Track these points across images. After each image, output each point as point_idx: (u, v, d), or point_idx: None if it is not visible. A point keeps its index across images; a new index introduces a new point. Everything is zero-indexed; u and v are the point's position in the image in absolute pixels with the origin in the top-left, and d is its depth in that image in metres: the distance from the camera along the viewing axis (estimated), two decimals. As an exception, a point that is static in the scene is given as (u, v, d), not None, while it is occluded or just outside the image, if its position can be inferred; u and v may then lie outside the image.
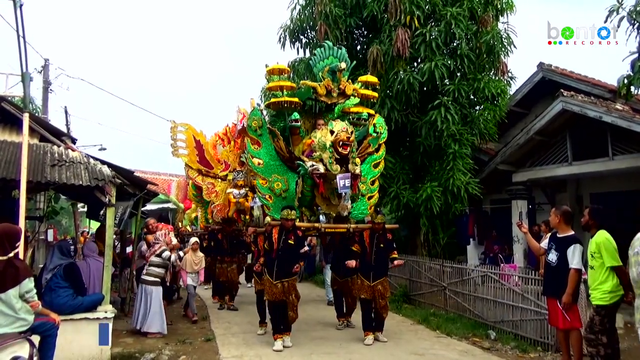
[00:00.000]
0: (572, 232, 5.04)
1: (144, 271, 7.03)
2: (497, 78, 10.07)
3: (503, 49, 9.87)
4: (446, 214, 9.89)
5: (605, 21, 5.75)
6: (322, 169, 6.14)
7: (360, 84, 7.32)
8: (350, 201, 6.72)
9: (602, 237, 4.59)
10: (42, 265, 7.00)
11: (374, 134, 7.20)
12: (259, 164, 6.53)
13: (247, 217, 8.80)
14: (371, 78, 7.45)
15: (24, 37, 5.20)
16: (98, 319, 5.34)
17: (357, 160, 6.48)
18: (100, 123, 64.55)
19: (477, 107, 10.25)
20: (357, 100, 7.39)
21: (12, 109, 5.90)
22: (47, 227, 10.87)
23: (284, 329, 6.27)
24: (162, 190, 20.71)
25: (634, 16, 5.54)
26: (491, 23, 9.68)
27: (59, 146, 6.04)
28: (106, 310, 5.43)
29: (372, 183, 7.36)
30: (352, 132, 6.39)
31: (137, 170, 14.80)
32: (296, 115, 6.81)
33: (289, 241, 6.19)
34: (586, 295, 5.63)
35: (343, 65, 6.66)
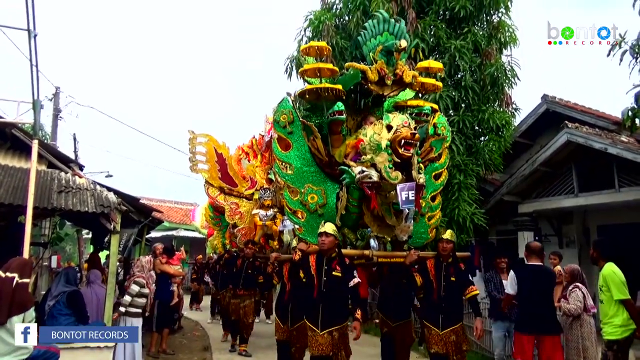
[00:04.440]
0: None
1: (124, 301, 6.27)
2: (501, 109, 10.15)
3: (507, 81, 9.99)
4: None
5: (608, 55, 5.82)
6: (375, 177, 4.60)
7: (417, 72, 5.67)
8: (412, 221, 5.21)
9: (608, 270, 4.51)
10: (44, 292, 6.97)
11: (437, 136, 5.65)
12: (288, 170, 4.97)
13: (276, 243, 7.69)
14: (434, 64, 5.77)
15: (36, 66, 5.32)
16: (99, 347, 5.27)
17: (422, 166, 4.98)
18: (108, 150, 65.31)
19: (482, 138, 10.30)
20: (411, 93, 5.81)
21: (22, 136, 6.00)
22: (51, 254, 10.86)
23: None
24: (166, 217, 20.75)
25: (636, 49, 5.60)
26: (495, 56, 9.83)
27: (66, 173, 6.09)
28: (107, 339, 5.36)
29: (433, 199, 5.75)
30: (415, 128, 4.85)
31: (143, 198, 14.84)
32: (340, 105, 5.00)
33: (334, 272, 4.44)
34: (596, 330, 5.52)
35: (403, 43, 4.97)
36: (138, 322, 6.34)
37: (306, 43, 11.00)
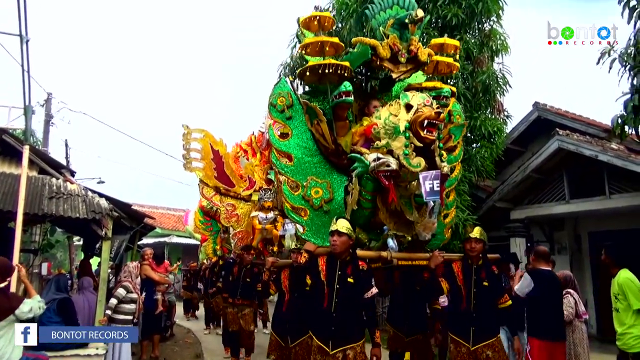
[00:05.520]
0: None
1: (112, 309, 6.02)
2: (493, 117, 10.22)
3: (499, 89, 10.07)
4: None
5: (598, 63, 5.90)
6: (394, 165, 3.91)
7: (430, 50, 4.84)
8: (436, 217, 4.44)
9: (624, 277, 4.36)
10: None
11: (454, 123, 4.93)
12: (286, 160, 4.32)
13: (275, 248, 7.09)
14: (450, 41, 5.02)
15: (28, 72, 5.31)
16: (89, 356, 5.22)
17: (444, 153, 4.23)
18: (100, 156, 65.02)
19: (474, 145, 10.36)
20: (422, 77, 5.13)
21: (13, 142, 5.96)
22: (42, 261, 10.74)
23: None
24: (159, 223, 20.64)
25: (625, 58, 5.69)
26: (486, 63, 9.92)
27: (57, 179, 6.05)
28: (97, 347, 5.31)
29: (447, 195, 4.94)
30: (439, 107, 4.09)
31: (135, 204, 14.75)
32: (348, 85, 4.37)
33: (349, 279, 3.74)
34: (588, 336, 5.52)
35: (420, 12, 4.35)
36: None
37: (299, 50, 11.05)
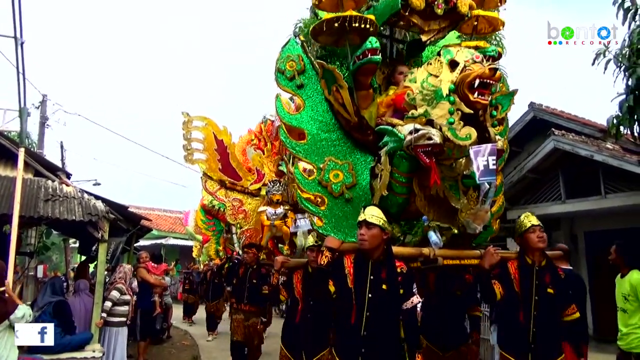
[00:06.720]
0: None
1: (107, 312, 5.98)
2: (489, 117, 10.24)
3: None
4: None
5: (593, 63, 5.93)
6: (437, 137, 3.00)
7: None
8: (490, 204, 3.49)
9: (636, 278, 4.29)
10: (29, 303, 6.86)
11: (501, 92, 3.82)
12: (298, 137, 3.55)
13: (287, 247, 6.46)
14: None
15: (23, 74, 5.28)
16: (86, 358, 5.21)
17: (496, 122, 3.47)
18: (96, 158, 64.85)
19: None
20: (457, 39, 4.27)
21: (8, 144, 5.94)
22: (37, 263, 10.70)
23: None
24: (155, 225, 20.59)
25: (620, 59, 5.72)
26: (482, 64, 9.94)
27: (53, 181, 6.04)
28: (94, 350, 5.30)
29: None
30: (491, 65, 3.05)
31: (131, 206, 14.71)
32: (374, 41, 3.40)
33: (383, 286, 2.89)
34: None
35: None
36: (123, 332, 6.27)
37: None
